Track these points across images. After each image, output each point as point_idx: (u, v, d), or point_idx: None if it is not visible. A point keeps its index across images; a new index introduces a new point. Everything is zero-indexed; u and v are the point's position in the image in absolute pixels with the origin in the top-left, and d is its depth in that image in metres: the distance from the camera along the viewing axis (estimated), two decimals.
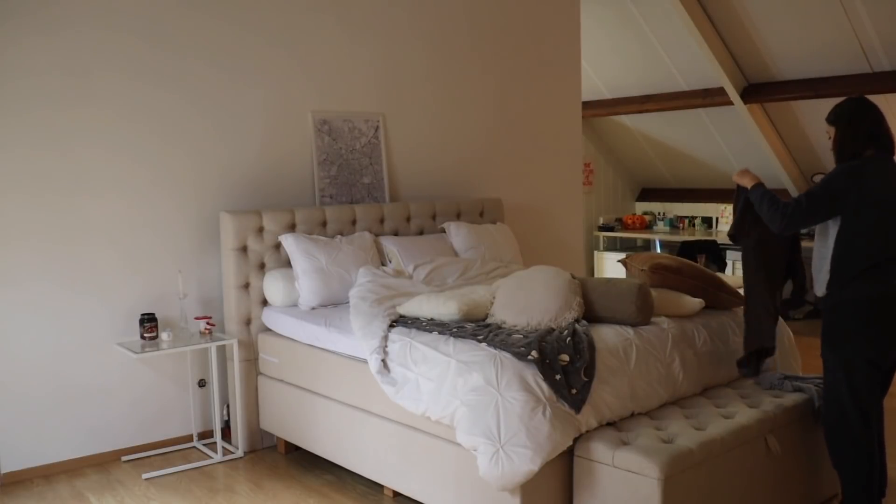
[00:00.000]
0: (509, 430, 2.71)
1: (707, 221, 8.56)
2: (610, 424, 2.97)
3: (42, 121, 3.82)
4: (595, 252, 9.06)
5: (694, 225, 8.59)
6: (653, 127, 8.55)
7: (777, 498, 3.12)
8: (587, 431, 2.87)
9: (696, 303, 3.56)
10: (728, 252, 7.76)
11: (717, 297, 3.68)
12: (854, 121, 3.05)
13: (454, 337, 3.14)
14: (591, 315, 3.34)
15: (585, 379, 2.89)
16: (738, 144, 7.98)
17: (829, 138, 3.16)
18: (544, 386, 2.80)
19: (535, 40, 5.86)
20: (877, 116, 3.04)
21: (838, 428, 2.99)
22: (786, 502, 3.18)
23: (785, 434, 3.10)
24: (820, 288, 3.01)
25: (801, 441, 3.20)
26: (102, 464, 4.04)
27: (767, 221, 3.05)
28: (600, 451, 2.75)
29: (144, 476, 3.85)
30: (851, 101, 3.11)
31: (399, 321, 3.46)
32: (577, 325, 3.16)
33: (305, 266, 4.06)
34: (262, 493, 3.64)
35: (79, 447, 4.00)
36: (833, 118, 3.12)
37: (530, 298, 3.32)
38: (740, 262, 7.66)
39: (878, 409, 3.06)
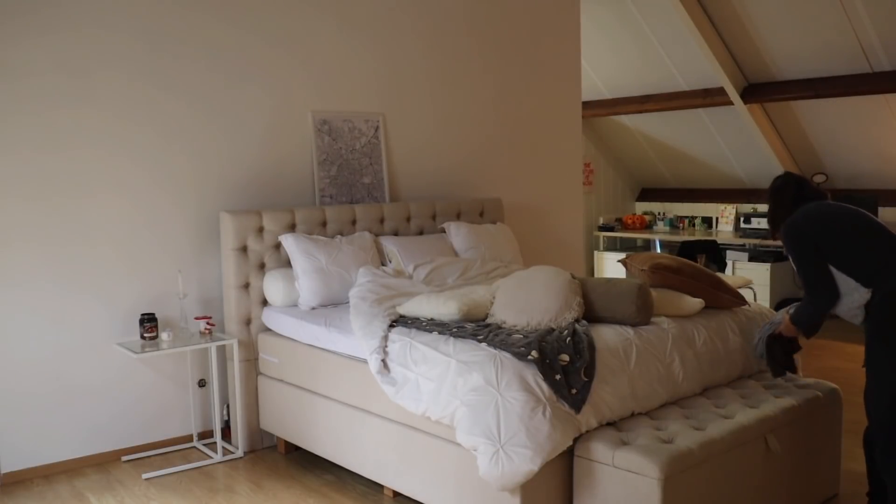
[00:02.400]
0: (509, 430, 2.71)
1: (707, 221, 8.56)
2: (610, 424, 2.96)
3: (42, 122, 3.82)
4: (595, 252, 9.06)
5: (694, 225, 8.59)
6: (653, 127, 8.55)
7: (777, 498, 3.12)
8: (587, 431, 2.87)
9: (696, 303, 3.56)
10: (728, 252, 7.76)
11: (717, 297, 3.67)
12: (779, 191, 3.23)
13: (454, 337, 3.14)
14: (591, 315, 3.34)
15: (585, 379, 2.89)
16: (738, 144, 7.98)
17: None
18: (544, 386, 2.80)
19: (535, 40, 5.86)
20: (799, 182, 3.22)
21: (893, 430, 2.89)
22: (786, 502, 3.18)
23: (785, 434, 3.10)
24: (850, 310, 3.00)
25: (801, 441, 3.20)
26: (102, 464, 4.04)
27: (814, 318, 3.15)
28: (600, 451, 2.75)
29: (144, 476, 3.85)
30: (777, 177, 3.31)
31: (399, 321, 3.46)
32: (577, 325, 3.16)
33: (305, 266, 4.06)
34: (262, 493, 3.64)
35: (79, 447, 4.00)
36: (767, 196, 3.31)
37: (530, 298, 3.32)
38: (740, 262, 7.68)
39: None
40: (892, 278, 2.90)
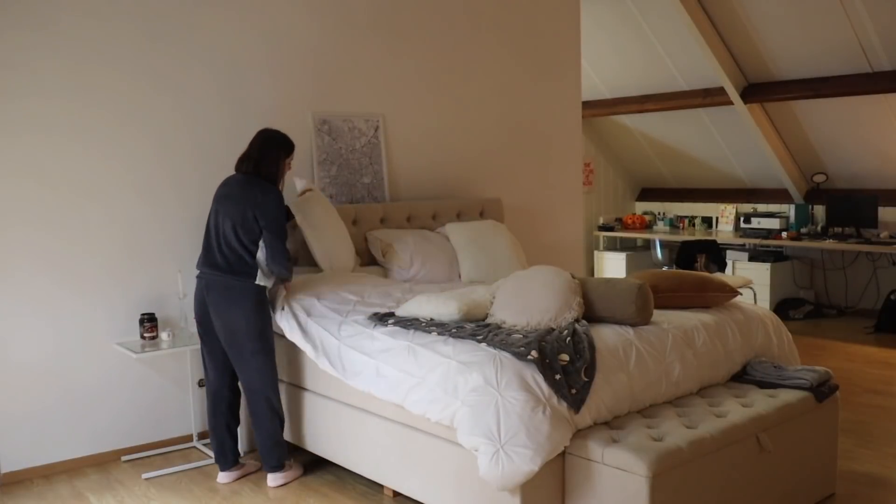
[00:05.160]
0: (509, 430, 2.71)
1: (707, 221, 8.56)
2: (604, 422, 2.97)
3: (41, 120, 3.82)
4: (595, 252, 9.06)
5: (694, 225, 8.59)
6: (653, 127, 8.55)
7: (771, 496, 3.12)
8: (581, 430, 2.87)
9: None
10: (728, 252, 7.77)
11: (705, 298, 3.67)
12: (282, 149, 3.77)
13: (453, 337, 3.15)
14: (591, 315, 3.33)
15: (586, 379, 2.89)
16: (738, 144, 7.98)
17: None
18: (544, 386, 2.80)
19: (535, 40, 5.86)
20: (253, 141, 3.73)
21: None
22: (781, 501, 3.18)
23: (778, 433, 3.10)
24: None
25: (794, 440, 3.19)
26: (102, 464, 4.05)
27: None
28: (591, 448, 2.76)
29: (144, 476, 3.85)
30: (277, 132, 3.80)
31: (398, 322, 3.47)
32: (576, 325, 3.16)
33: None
34: (262, 494, 3.64)
35: (79, 447, 4.00)
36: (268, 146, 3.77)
37: (530, 298, 3.33)
38: (740, 262, 7.69)
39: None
40: None
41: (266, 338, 3.66)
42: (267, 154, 3.67)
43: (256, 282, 3.60)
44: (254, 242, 3.57)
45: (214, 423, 3.78)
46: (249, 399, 3.71)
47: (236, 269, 3.57)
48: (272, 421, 3.71)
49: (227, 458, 3.79)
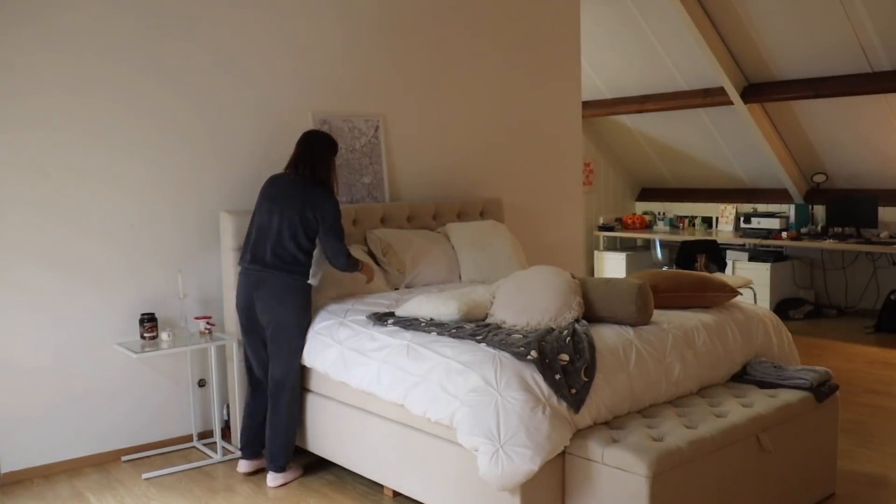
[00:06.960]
0: (509, 430, 2.71)
1: (707, 221, 8.56)
2: (604, 422, 2.97)
3: (40, 118, 3.82)
4: (595, 252, 9.06)
5: (694, 225, 8.59)
6: (653, 127, 8.55)
7: (771, 496, 3.12)
8: (581, 430, 2.87)
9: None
10: (728, 252, 7.76)
11: (705, 298, 3.67)
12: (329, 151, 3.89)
13: (453, 337, 3.15)
14: (591, 315, 3.34)
15: (586, 379, 2.89)
16: (738, 144, 7.98)
17: None
18: (544, 385, 2.80)
19: (535, 40, 5.86)
20: (302, 144, 3.86)
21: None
22: (781, 501, 3.18)
23: (778, 433, 3.10)
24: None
25: (794, 440, 3.20)
26: (102, 464, 4.05)
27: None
28: (591, 448, 2.76)
29: (144, 476, 3.85)
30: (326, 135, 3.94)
31: (398, 322, 3.47)
32: (576, 325, 3.16)
33: None
34: (262, 494, 3.64)
35: (79, 447, 4.00)
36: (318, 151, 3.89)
37: (530, 298, 3.33)
38: (740, 262, 7.69)
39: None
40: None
41: (305, 337, 3.73)
42: (321, 158, 3.79)
43: (308, 281, 3.69)
44: (311, 241, 3.67)
45: (255, 410, 3.84)
46: (278, 394, 3.71)
47: (291, 268, 3.65)
48: (293, 419, 3.74)
49: (257, 447, 3.84)
